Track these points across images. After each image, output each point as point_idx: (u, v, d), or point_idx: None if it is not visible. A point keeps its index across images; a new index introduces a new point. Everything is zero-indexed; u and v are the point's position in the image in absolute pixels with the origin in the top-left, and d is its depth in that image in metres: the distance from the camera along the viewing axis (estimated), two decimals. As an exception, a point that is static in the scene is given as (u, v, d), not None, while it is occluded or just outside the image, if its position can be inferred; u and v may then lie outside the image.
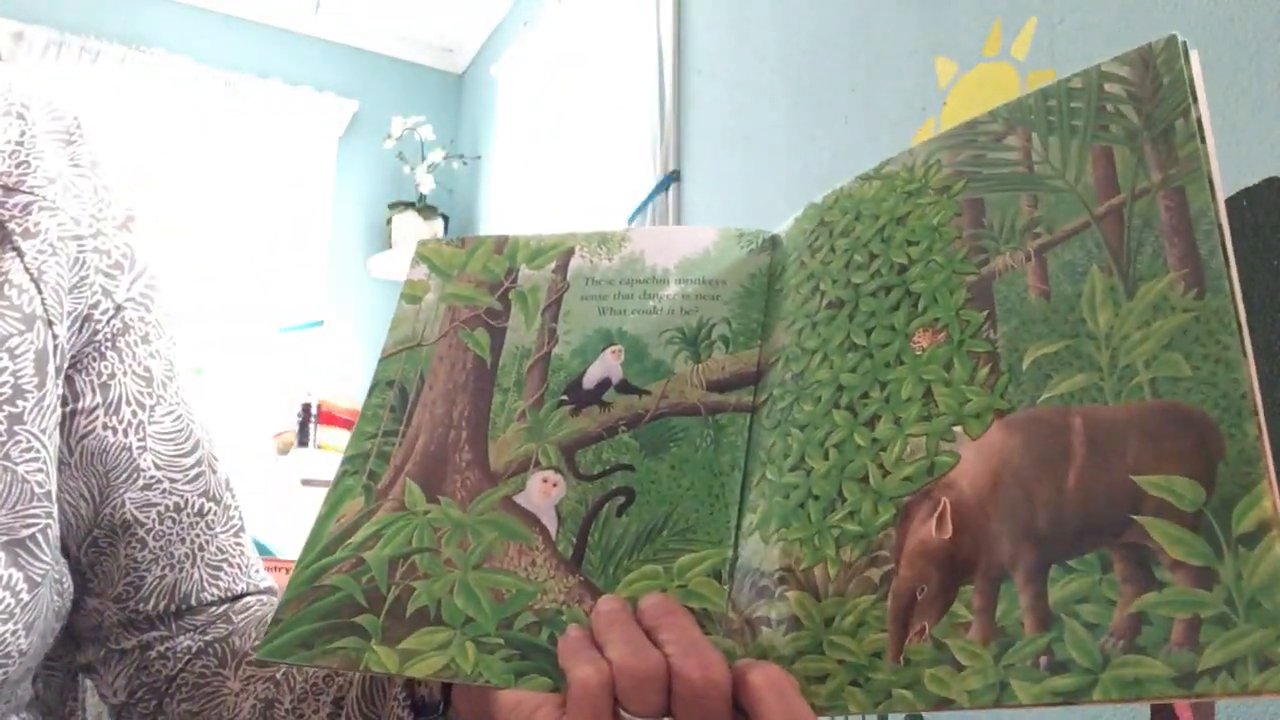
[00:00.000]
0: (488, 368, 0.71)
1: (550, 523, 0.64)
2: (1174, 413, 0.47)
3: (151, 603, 0.79)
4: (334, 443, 3.62)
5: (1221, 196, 0.50)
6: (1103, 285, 0.51)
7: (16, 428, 0.67)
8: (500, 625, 0.61)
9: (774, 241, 0.71)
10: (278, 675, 0.78)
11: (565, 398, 0.68)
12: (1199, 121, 0.51)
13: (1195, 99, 0.52)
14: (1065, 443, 0.50)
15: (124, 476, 0.76)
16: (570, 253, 0.74)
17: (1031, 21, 1.17)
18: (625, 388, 0.67)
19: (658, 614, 0.56)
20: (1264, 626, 0.41)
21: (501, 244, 0.77)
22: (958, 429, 0.53)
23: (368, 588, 0.64)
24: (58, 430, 0.71)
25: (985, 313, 0.55)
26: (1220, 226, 0.48)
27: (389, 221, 4.21)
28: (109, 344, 0.76)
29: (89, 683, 0.86)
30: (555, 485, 0.65)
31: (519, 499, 0.65)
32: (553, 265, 0.74)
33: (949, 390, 0.54)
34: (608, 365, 0.68)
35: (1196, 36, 1.00)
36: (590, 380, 0.68)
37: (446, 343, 0.73)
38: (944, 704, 0.48)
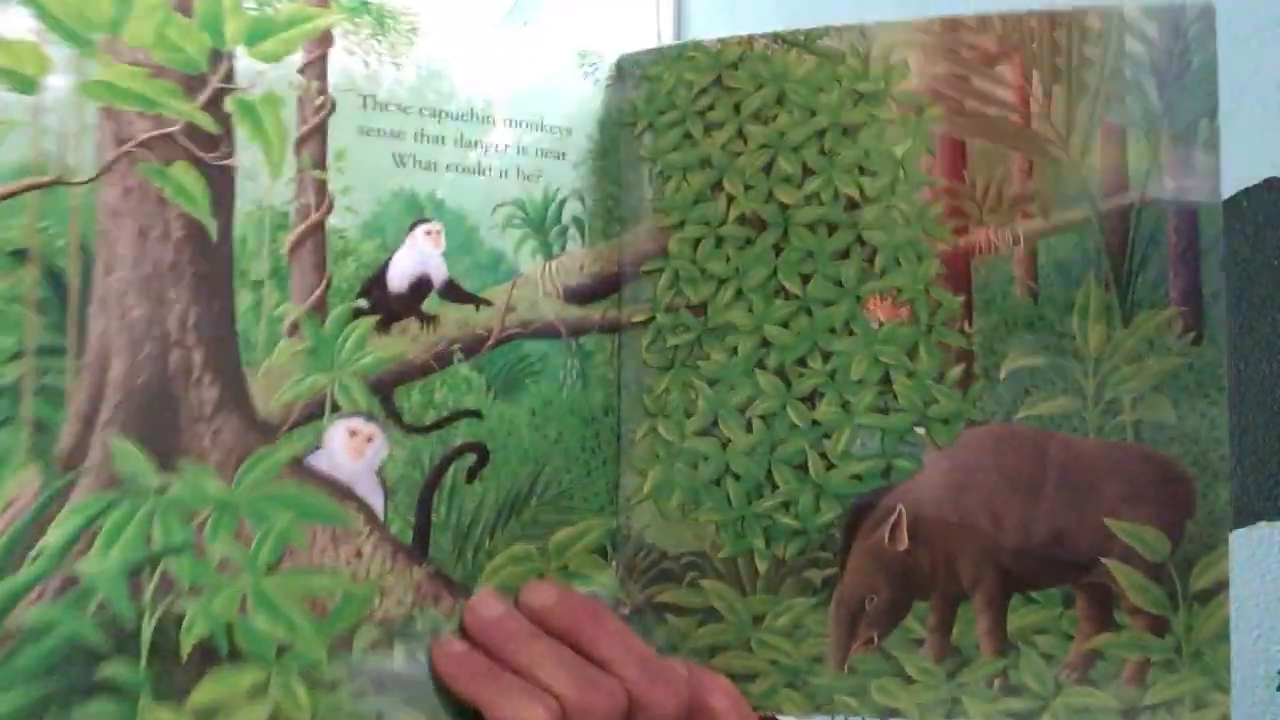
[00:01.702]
0: (210, 238, 0.45)
1: (372, 494, 0.47)
2: (1156, 464, 0.47)
3: None
4: None
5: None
6: (1098, 301, 0.47)
7: None
8: (335, 648, 0.45)
9: (630, 73, 0.53)
10: None
11: (363, 303, 0.47)
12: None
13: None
14: (1040, 469, 0.48)
15: None
16: (328, 38, 0.47)
17: None
18: (454, 292, 0.48)
19: (574, 618, 0.46)
20: (1204, 675, 0.47)
21: (190, -6, 0.46)
22: (920, 431, 0.48)
23: (103, 619, 0.42)
24: None
25: (961, 298, 0.48)
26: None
27: None
28: None
29: None
30: (370, 439, 0.47)
31: (314, 460, 0.46)
32: (299, 56, 0.47)
33: (912, 383, 0.48)
34: (423, 254, 0.48)
35: None
36: (400, 276, 0.48)
37: (119, 184, 0.45)
38: (892, 713, 0.48)
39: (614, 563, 0.50)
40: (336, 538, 0.46)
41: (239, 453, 0.45)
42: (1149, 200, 0.47)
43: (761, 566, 0.49)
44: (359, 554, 0.46)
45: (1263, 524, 0.73)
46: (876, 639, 0.48)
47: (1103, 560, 0.47)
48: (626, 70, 0.53)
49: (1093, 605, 0.48)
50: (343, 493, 0.46)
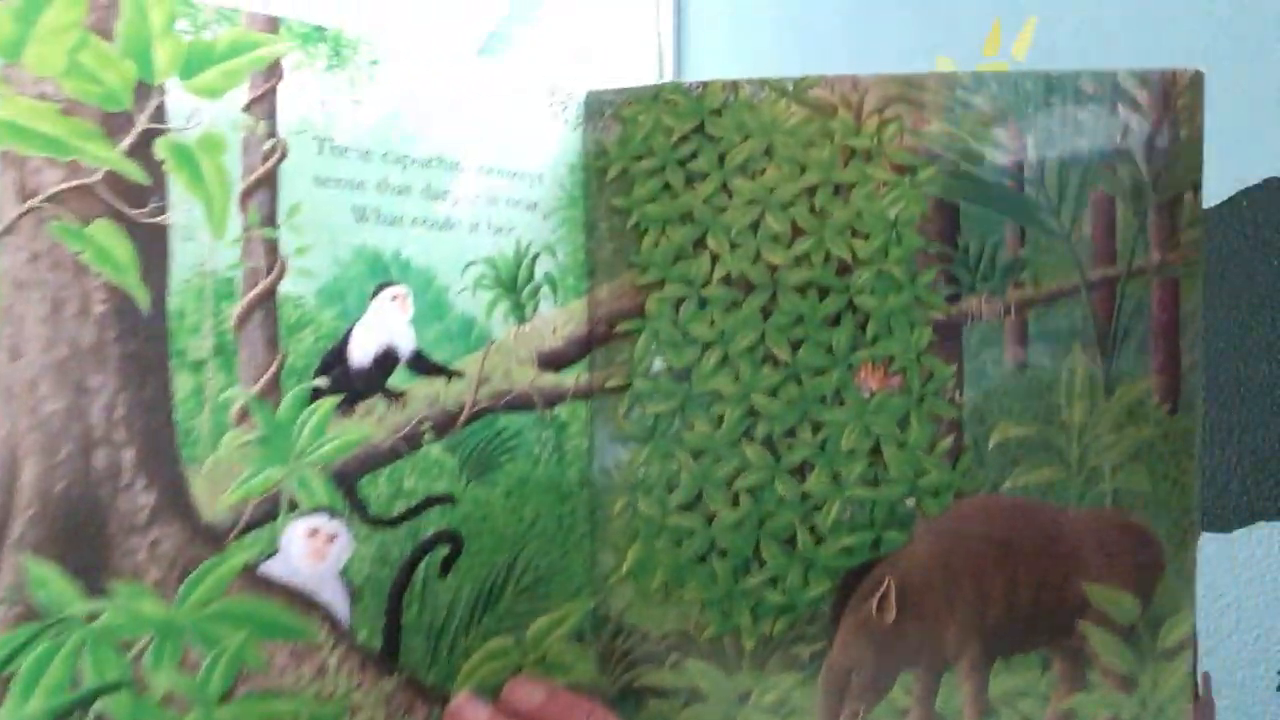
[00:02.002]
0: (140, 312, 0.38)
1: (336, 600, 0.41)
2: (1132, 531, 0.48)
3: None
4: None
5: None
6: (1084, 372, 0.47)
7: None
8: (300, 782, 0.40)
9: (600, 112, 0.48)
10: None
11: (322, 381, 0.41)
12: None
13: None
14: (1025, 538, 0.48)
15: None
16: (277, 70, 0.40)
17: (1031, 21, 0.90)
18: (423, 364, 0.43)
19: (567, 717, 0.43)
20: (1167, 731, 0.49)
21: (113, 6, 0.38)
22: (910, 503, 0.47)
23: (29, 780, 0.36)
24: None
25: (953, 367, 0.47)
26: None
27: None
28: None
29: None
30: (333, 538, 0.41)
31: (270, 568, 0.40)
32: (244, 91, 0.40)
33: (903, 454, 0.47)
34: (389, 322, 0.42)
35: (1196, 35, 0.85)
36: (363, 349, 0.42)
37: (25, 248, 0.37)
38: (875, 786, 0.48)
39: (592, 647, 0.47)
40: (298, 654, 0.41)
41: (181, 566, 0.39)
42: (1135, 271, 0.47)
43: (748, 644, 0.47)
44: (323, 670, 0.41)
45: (1262, 524, 0.75)
46: (862, 713, 0.47)
47: (1079, 623, 0.48)
48: (595, 109, 0.48)
49: (1068, 666, 0.48)
50: (303, 602, 0.41)
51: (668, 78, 0.82)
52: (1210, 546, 0.75)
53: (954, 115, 0.47)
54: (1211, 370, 0.74)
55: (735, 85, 0.47)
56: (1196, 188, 0.47)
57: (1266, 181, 0.85)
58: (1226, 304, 0.76)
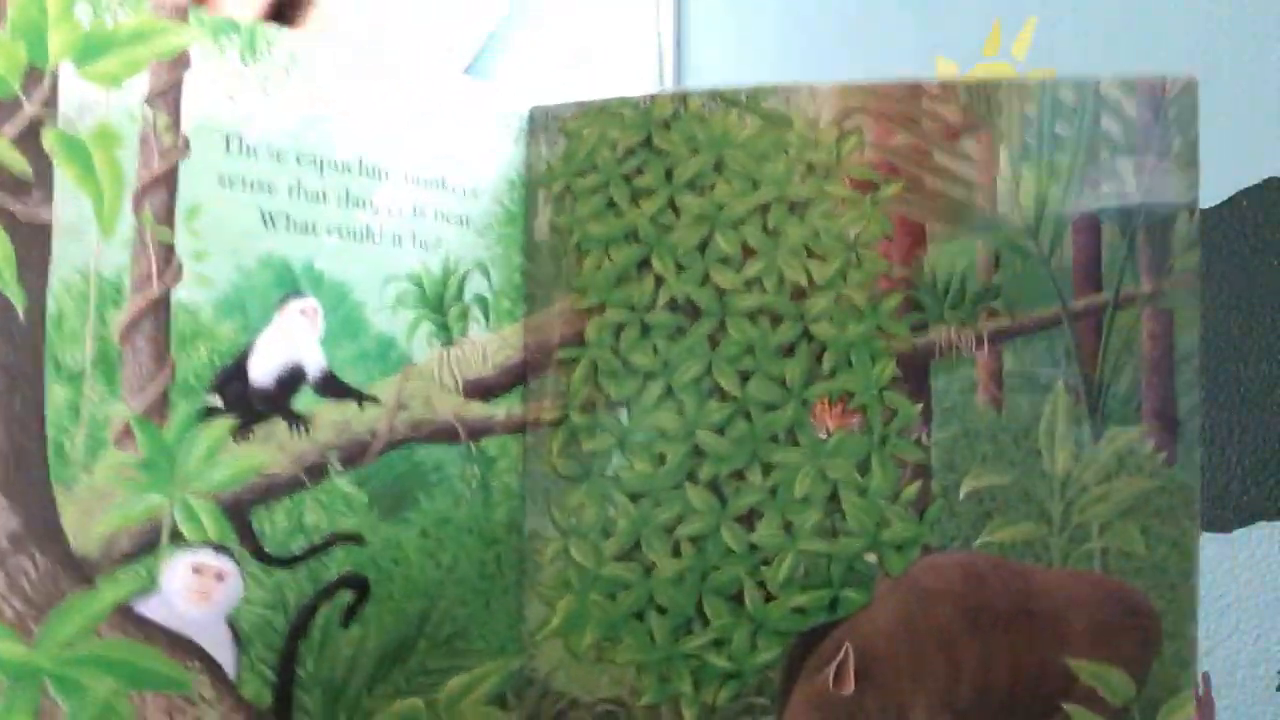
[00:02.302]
0: (14, 315, 0.35)
1: (221, 648, 0.37)
2: (1123, 599, 0.43)
3: None
4: None
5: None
6: (1067, 415, 0.42)
7: None
8: None
9: (545, 126, 0.45)
10: None
11: (217, 400, 0.38)
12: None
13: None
14: (1001, 604, 0.43)
15: None
16: (184, 60, 0.38)
17: (1031, 21, 0.90)
18: (332, 386, 0.39)
19: None
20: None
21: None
22: (871, 558, 0.43)
23: None
24: None
25: (919, 406, 0.43)
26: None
27: None
28: None
29: None
30: (221, 577, 0.37)
31: (147, 608, 0.36)
32: (144, 81, 0.37)
33: (863, 503, 0.42)
34: (295, 338, 0.39)
35: (1197, 35, 0.84)
36: (265, 367, 0.38)
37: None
38: None
39: (515, 714, 0.42)
40: (174, 708, 0.36)
41: (43, 602, 0.35)
42: (1123, 300, 0.43)
43: (689, 715, 0.42)
44: (201, 721, 0.37)
45: (1262, 524, 0.72)
46: (818, 795, 0.42)
47: (1064, 705, 0.42)
48: (540, 123, 0.45)
49: (1054, 752, 0.43)
50: (183, 648, 0.37)
51: (668, 81, 0.80)
52: (1210, 547, 0.72)
53: (920, 127, 0.43)
54: (1211, 370, 0.71)
55: (684, 97, 0.44)
56: (1192, 207, 0.42)
57: (1266, 181, 0.82)
58: (1226, 304, 0.72)
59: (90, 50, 0.36)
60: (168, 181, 0.37)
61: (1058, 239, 0.43)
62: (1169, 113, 0.42)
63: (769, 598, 0.42)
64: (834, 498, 0.42)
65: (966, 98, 0.43)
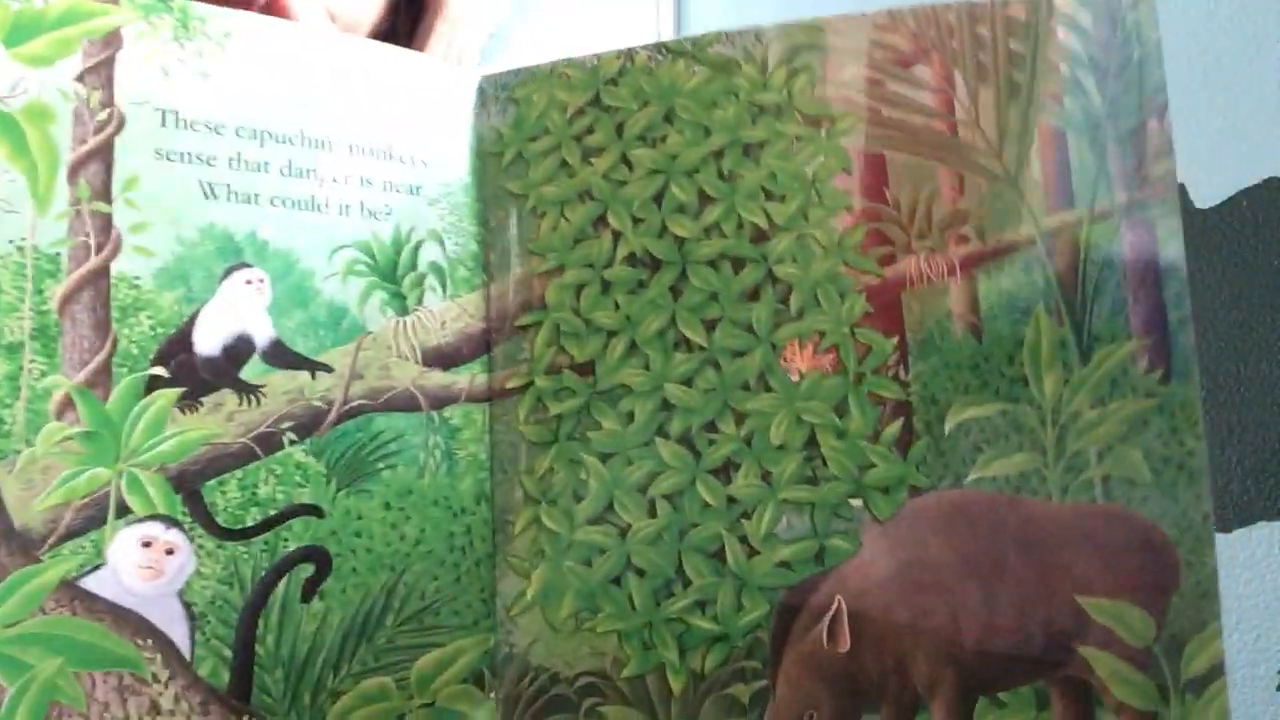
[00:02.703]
0: (-45, 291, 0.35)
1: (174, 624, 0.36)
2: (1131, 527, 0.40)
3: None
4: None
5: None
6: (1050, 337, 0.40)
7: None
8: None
9: (494, 96, 0.45)
10: None
11: (161, 371, 0.37)
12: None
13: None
14: (999, 542, 0.40)
15: None
16: (116, 39, 0.38)
17: None
18: (282, 355, 0.39)
19: None
20: (1207, 780, 0.39)
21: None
22: (856, 503, 0.40)
23: None
24: None
25: (894, 339, 0.41)
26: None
27: None
28: None
29: None
30: (171, 551, 0.36)
31: (93, 583, 0.35)
32: (76, 60, 0.37)
33: (843, 445, 0.40)
34: (241, 308, 0.38)
35: (1196, 34, 0.86)
36: (211, 337, 0.38)
37: None
38: None
39: (493, 693, 0.40)
40: (124, 688, 0.35)
41: (-14, 576, 0.34)
42: (1098, 215, 0.41)
43: (676, 684, 0.40)
44: (155, 709, 0.35)
45: (1262, 524, 0.69)
46: (821, 761, 0.39)
47: (1079, 649, 0.39)
48: (489, 92, 0.45)
49: (1071, 703, 0.40)
50: (133, 625, 0.35)
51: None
52: (1211, 546, 0.71)
53: (871, 58, 0.42)
54: (1211, 370, 0.68)
55: (630, 52, 0.43)
56: (1162, 112, 0.41)
57: (1267, 181, 0.80)
58: (1226, 304, 0.70)
59: (20, 32, 0.36)
60: (103, 155, 0.37)
61: (1023, 158, 0.41)
62: (1126, 21, 0.41)
63: (752, 553, 0.40)
64: (812, 442, 0.40)
65: (914, 24, 0.42)
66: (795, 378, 0.41)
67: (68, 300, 0.36)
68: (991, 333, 0.41)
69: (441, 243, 0.42)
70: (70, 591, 0.35)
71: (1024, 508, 0.40)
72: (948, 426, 0.40)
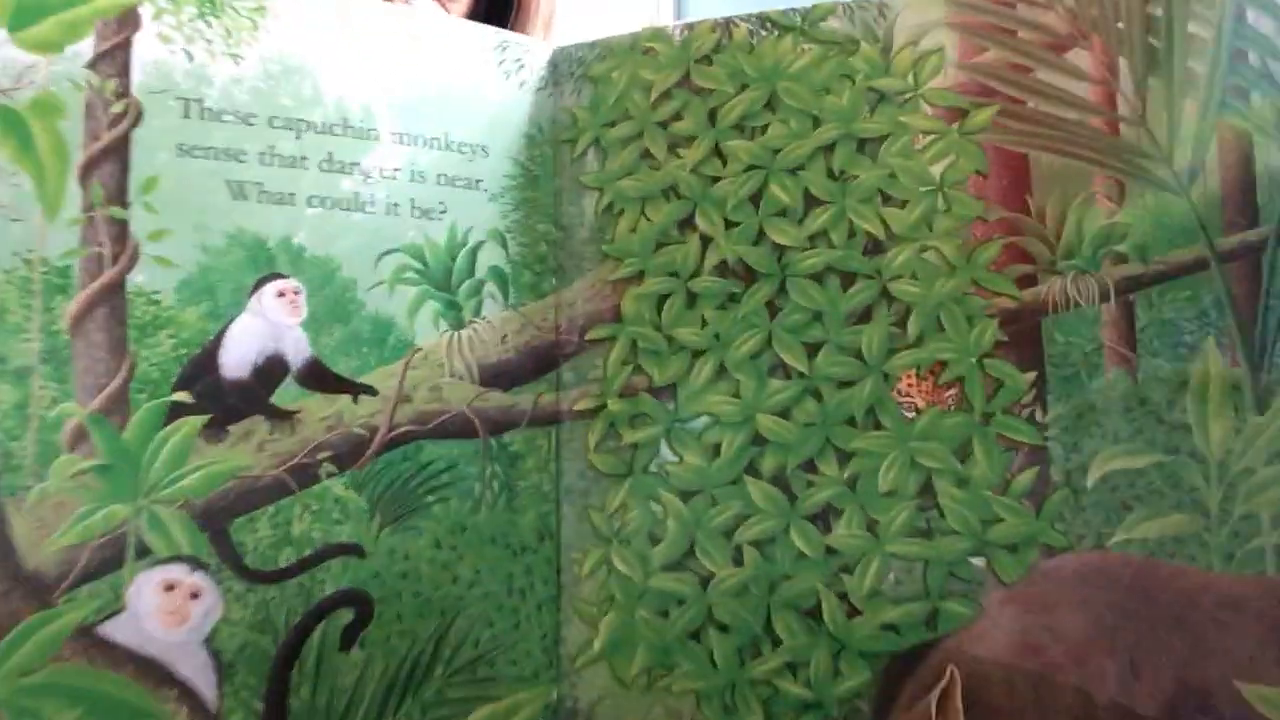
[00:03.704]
0: (-42, 303, 0.31)
1: (200, 674, 0.32)
2: (1308, 606, 0.34)
3: None
4: None
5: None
6: (1221, 377, 0.34)
7: None
8: None
9: (568, 73, 0.39)
10: None
11: (185, 396, 0.33)
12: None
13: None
14: (1146, 615, 0.34)
15: None
16: (132, 19, 0.33)
17: None
18: (320, 377, 0.34)
19: None
20: None
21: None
22: (978, 562, 0.35)
23: None
24: None
25: (1032, 375, 0.35)
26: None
27: None
28: None
29: None
30: (196, 596, 0.32)
31: (113, 630, 0.32)
32: (88, 45, 0.33)
33: (964, 495, 0.35)
34: (274, 324, 0.34)
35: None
36: (240, 358, 0.33)
37: None
38: None
39: (554, 750, 0.36)
40: (144, 743, 0.31)
41: (-7, 625, 0.30)
42: (1288, 236, 0.34)
43: (760, 753, 0.35)
44: (178, 765, 0.32)
45: None
46: None
47: (1235, 740, 0.34)
48: (563, 69, 0.39)
49: (1222, 802, 0.34)
50: (156, 675, 0.32)
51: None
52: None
53: (1016, 40, 0.35)
54: None
55: (728, 25, 0.37)
56: (1374, 115, 0.33)
57: None
58: None
59: (24, 14, 0.32)
60: (118, 153, 0.33)
61: (1198, 164, 0.34)
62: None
63: (852, 612, 0.35)
64: (928, 490, 0.35)
65: (1074, 1, 0.35)
66: (911, 414, 0.35)
67: (80, 318, 0.32)
68: (1149, 371, 0.34)
69: (504, 244, 0.37)
70: (87, 639, 0.31)
71: (1178, 577, 0.34)
72: (1091, 479, 0.34)
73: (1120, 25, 0.35)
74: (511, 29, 0.47)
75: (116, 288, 0.32)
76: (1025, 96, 0.35)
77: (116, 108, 0.33)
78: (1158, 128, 0.34)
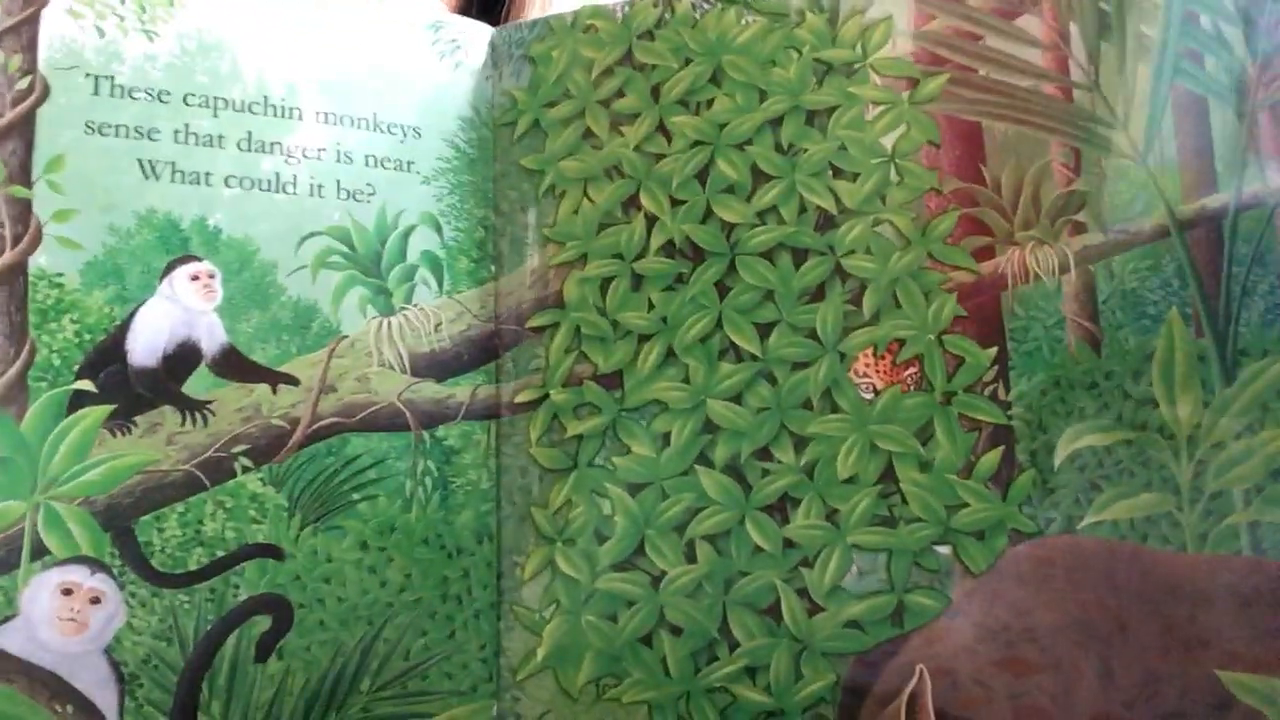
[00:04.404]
0: None
1: (99, 686, 0.29)
2: (1289, 587, 0.32)
3: None
4: None
5: None
6: (1186, 349, 0.32)
7: None
8: None
9: (507, 54, 0.37)
10: None
11: (88, 384, 0.30)
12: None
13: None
14: (1120, 602, 0.33)
15: None
16: (39, -5, 0.31)
17: None
18: (236, 365, 0.32)
19: None
20: None
21: None
22: (944, 550, 0.33)
23: None
24: None
25: (992, 350, 0.33)
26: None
27: None
28: None
29: None
30: (97, 600, 0.29)
31: (4, 637, 0.29)
32: (-9, 19, 0.31)
33: (927, 480, 0.33)
34: (186, 309, 0.31)
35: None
36: (149, 343, 0.31)
37: None
38: None
39: (493, 769, 0.33)
40: (34, 764, 0.28)
41: None
42: (1246, 201, 0.33)
43: (718, 765, 0.33)
44: (74, 789, 0.29)
45: None
46: None
47: (1220, 733, 0.32)
48: (502, 50, 0.37)
49: (1210, 801, 0.32)
50: (50, 687, 0.29)
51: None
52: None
53: (964, 6, 0.34)
54: None
55: (670, 0, 0.36)
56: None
57: None
58: None
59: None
60: (22, 131, 0.31)
61: (1154, 129, 0.33)
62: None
63: (814, 609, 0.33)
64: (889, 475, 0.33)
65: (1021, -37, 0.34)
66: (869, 395, 0.33)
67: (-30, 307, 0.29)
68: (1113, 344, 0.33)
69: (438, 228, 0.35)
70: (-29, 652, 0.28)
71: (1152, 560, 0.33)
72: (1058, 458, 0.33)
73: (1070, -8, 0.34)
74: (508, 8, 0.45)
75: (17, 270, 0.30)
76: (976, 64, 0.34)
77: (21, 84, 0.31)
78: (1111, 93, 0.33)
